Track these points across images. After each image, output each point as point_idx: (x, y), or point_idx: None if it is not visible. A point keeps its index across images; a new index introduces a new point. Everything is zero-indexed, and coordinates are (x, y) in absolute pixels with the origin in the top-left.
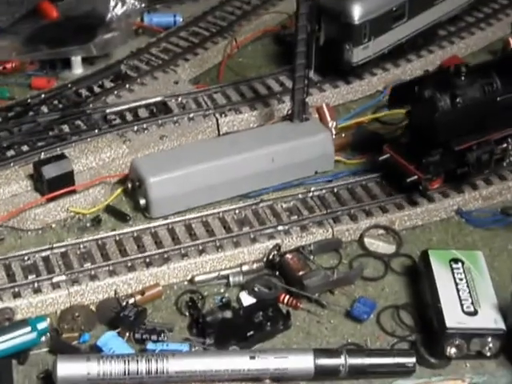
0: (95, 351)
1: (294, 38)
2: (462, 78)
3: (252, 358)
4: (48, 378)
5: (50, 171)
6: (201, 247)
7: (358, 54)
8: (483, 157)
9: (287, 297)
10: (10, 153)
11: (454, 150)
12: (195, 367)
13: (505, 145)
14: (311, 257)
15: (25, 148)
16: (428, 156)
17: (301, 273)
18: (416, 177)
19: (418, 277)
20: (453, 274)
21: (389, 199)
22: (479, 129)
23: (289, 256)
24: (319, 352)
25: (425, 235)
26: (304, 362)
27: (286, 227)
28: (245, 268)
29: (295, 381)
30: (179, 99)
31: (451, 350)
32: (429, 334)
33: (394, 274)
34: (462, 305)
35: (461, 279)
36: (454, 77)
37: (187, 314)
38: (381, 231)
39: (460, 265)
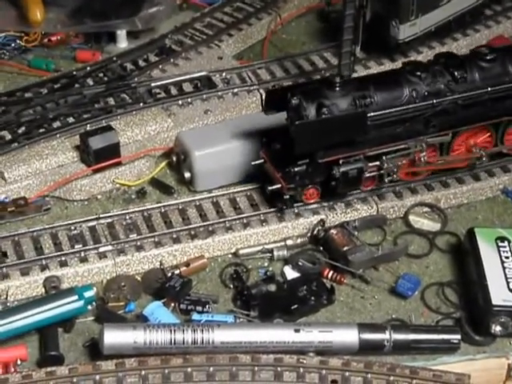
0: (141, 320)
1: (342, 13)
2: (337, 88)
3: (297, 330)
4: (94, 346)
5: (96, 142)
6: (245, 221)
7: (405, 31)
8: (350, 172)
9: (331, 272)
10: (56, 124)
11: (317, 163)
12: (240, 338)
13: (378, 162)
14: (355, 233)
15: (71, 120)
16: (293, 166)
17: (345, 248)
18: (279, 186)
19: (463, 255)
20: (499, 252)
21: (434, 177)
22: (349, 143)
23: (333, 231)
24: (364, 326)
25: (470, 214)
26: (349, 336)
27: (331, 203)
28: (289, 242)
29: (339, 354)
30: (223, 74)
31: (496, 328)
32: (473, 311)
33: (439, 252)
34: (507, 283)
35: (507, 257)
36: (326, 87)
37: (231, 286)
38: (426, 209)
39: (506, 243)
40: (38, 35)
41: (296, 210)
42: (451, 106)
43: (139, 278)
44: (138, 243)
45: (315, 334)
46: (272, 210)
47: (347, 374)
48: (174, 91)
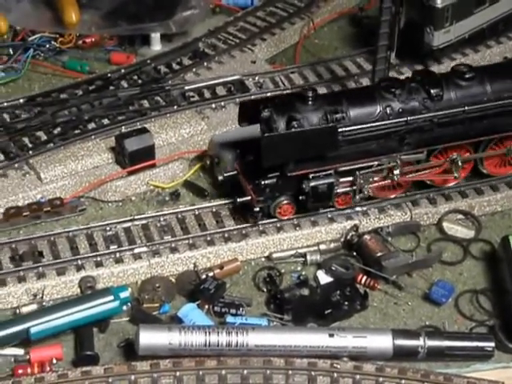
0: (175, 322)
1: (378, 19)
2: (309, 102)
3: (331, 335)
4: (128, 347)
5: (132, 144)
6: (278, 225)
7: (439, 38)
8: (320, 187)
9: (364, 277)
10: (91, 125)
11: (287, 176)
12: (274, 342)
13: (351, 178)
14: (389, 238)
15: (105, 121)
16: (264, 178)
17: (379, 254)
18: (249, 198)
19: (497, 262)
20: None
21: (468, 184)
22: (320, 158)
23: (367, 237)
24: (398, 333)
25: (504, 221)
26: (383, 342)
27: (364, 208)
28: (322, 247)
29: (373, 360)
30: (256, 78)
31: None
32: (507, 319)
33: (473, 259)
34: None
35: None
36: (299, 100)
37: (265, 289)
38: (460, 216)
39: None
40: (72, 37)
41: (329, 215)
42: (427, 124)
43: (173, 280)
44: (173, 245)
45: (349, 339)
46: (306, 214)
47: (381, 379)
48: (207, 94)
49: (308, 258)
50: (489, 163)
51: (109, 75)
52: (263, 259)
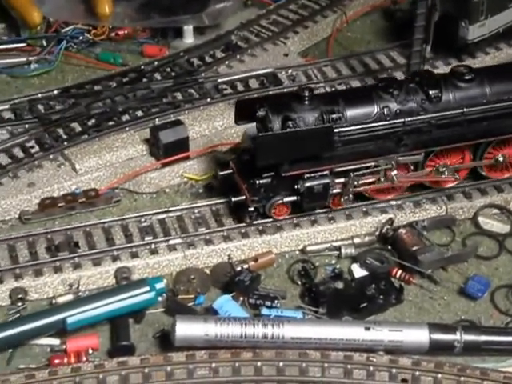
0: (210, 313)
1: (414, 12)
2: (305, 102)
3: (367, 329)
4: (163, 338)
5: (166, 136)
6: (313, 218)
7: (474, 32)
8: (316, 188)
9: (399, 271)
10: (126, 117)
11: (282, 176)
12: (310, 334)
13: (344, 179)
14: (424, 233)
15: (139, 113)
16: (258, 178)
17: (415, 248)
18: (243, 197)
19: None
20: None
21: (504, 179)
22: (315, 158)
23: (403, 231)
24: (434, 327)
25: None
26: (419, 336)
27: (399, 202)
28: (356, 240)
29: (408, 354)
30: (289, 71)
31: None
32: None
33: (508, 254)
34: None
35: None
36: (295, 100)
37: (299, 282)
38: (495, 210)
39: None
40: (105, 29)
41: (364, 209)
42: (424, 126)
43: (208, 272)
44: (207, 237)
45: (385, 332)
46: (340, 208)
47: (417, 373)
48: (240, 87)
49: (342, 251)
50: (487, 166)
51: (142, 67)
52: (297, 252)
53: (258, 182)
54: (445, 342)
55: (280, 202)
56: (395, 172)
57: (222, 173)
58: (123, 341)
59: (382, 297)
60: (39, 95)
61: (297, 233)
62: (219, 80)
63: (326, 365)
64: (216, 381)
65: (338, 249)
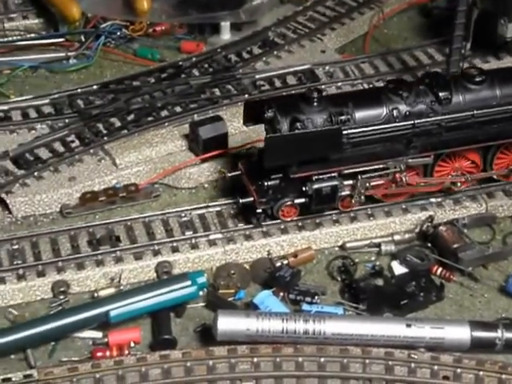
0: (251, 308)
1: (454, 9)
2: (314, 103)
3: (408, 325)
4: (205, 332)
5: (206, 132)
6: (352, 214)
7: None
8: (324, 190)
9: (440, 269)
10: (164, 113)
11: (290, 178)
12: (351, 331)
13: (351, 181)
14: (464, 230)
15: (178, 109)
16: (267, 179)
17: (455, 245)
18: (251, 199)
19: None
20: None
21: None
22: (324, 160)
23: (443, 228)
24: (476, 324)
25: None
26: (460, 334)
27: (439, 199)
28: (396, 237)
29: (450, 351)
30: (326, 68)
31: None
32: None
33: None
34: None
35: None
36: (303, 101)
37: (339, 278)
38: None
39: None
40: (143, 25)
41: (404, 206)
42: (434, 128)
43: (247, 267)
44: (247, 232)
45: (427, 329)
46: (379, 204)
47: (459, 370)
48: (277, 83)
49: (382, 248)
50: (497, 168)
51: (180, 63)
52: (336, 248)
53: (266, 183)
54: (486, 339)
55: (288, 203)
56: (404, 174)
57: (230, 174)
58: (165, 334)
59: (422, 294)
60: (78, 90)
61: (336, 229)
62: (257, 76)
63: (367, 361)
64: (257, 375)
65: (378, 246)
